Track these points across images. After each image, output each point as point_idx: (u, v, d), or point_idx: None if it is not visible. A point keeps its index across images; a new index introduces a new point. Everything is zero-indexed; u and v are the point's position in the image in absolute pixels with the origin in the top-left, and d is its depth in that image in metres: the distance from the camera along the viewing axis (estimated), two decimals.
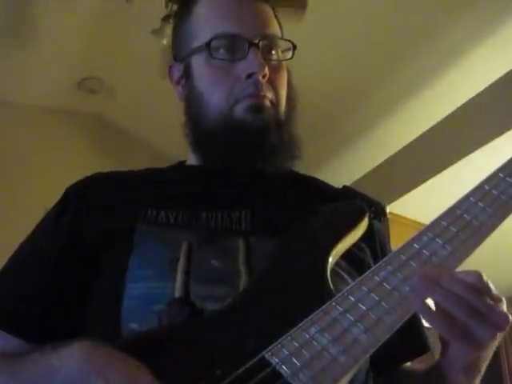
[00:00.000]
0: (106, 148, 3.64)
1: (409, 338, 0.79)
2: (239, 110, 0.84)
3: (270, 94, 0.85)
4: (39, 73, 3.20)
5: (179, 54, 0.93)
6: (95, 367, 0.54)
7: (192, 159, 0.93)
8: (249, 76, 0.84)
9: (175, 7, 2.28)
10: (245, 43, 0.85)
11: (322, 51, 2.84)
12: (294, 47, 0.90)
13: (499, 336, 0.63)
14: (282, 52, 0.90)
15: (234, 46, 0.85)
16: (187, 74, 0.90)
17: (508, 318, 0.60)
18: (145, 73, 2.79)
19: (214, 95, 0.85)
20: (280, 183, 0.88)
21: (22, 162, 3.27)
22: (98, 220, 0.81)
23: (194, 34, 0.89)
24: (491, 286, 0.63)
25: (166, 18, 2.34)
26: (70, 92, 3.44)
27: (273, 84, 0.86)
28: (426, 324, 0.85)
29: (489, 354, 0.68)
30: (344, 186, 0.93)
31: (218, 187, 0.86)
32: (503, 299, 0.63)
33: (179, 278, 0.73)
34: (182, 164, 0.96)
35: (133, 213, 0.81)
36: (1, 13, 2.75)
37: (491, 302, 0.60)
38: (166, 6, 2.35)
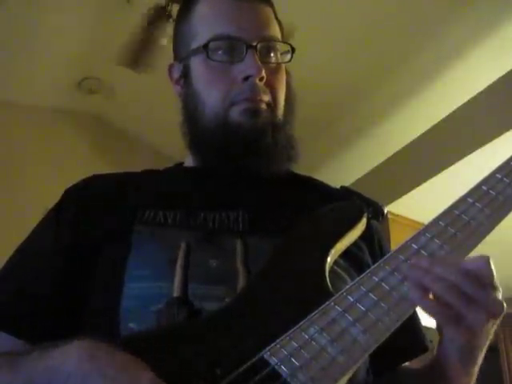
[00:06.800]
0: (105, 148, 3.65)
1: (407, 338, 0.79)
2: (235, 113, 0.84)
3: (266, 98, 0.85)
4: (39, 73, 3.20)
5: (179, 53, 0.94)
6: (96, 366, 0.54)
7: (189, 161, 0.94)
8: (246, 78, 0.84)
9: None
10: (243, 46, 0.85)
11: (323, 51, 2.84)
12: (293, 50, 0.90)
13: (494, 324, 0.64)
14: (281, 54, 0.90)
15: (232, 48, 0.85)
16: (186, 75, 0.90)
17: (501, 305, 0.62)
18: (145, 73, 2.79)
19: (211, 96, 0.86)
20: (278, 184, 0.88)
21: (21, 161, 3.28)
22: (96, 221, 0.82)
23: (193, 34, 0.89)
24: (493, 273, 0.64)
25: None
26: (70, 92, 3.44)
27: (271, 86, 0.86)
28: (424, 324, 0.86)
29: (483, 342, 0.68)
30: (342, 187, 0.93)
31: (216, 188, 0.86)
32: (500, 288, 0.64)
33: (177, 277, 0.73)
34: (179, 165, 0.96)
35: (131, 213, 0.81)
36: (0, 13, 2.75)
37: (486, 288, 0.62)
38: None
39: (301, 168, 0.93)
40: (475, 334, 0.64)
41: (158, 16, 2.38)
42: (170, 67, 0.95)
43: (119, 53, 2.46)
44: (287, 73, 0.92)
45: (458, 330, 0.63)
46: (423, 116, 3.21)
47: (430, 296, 0.62)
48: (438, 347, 0.72)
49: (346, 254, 0.78)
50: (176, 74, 0.93)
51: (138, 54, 2.46)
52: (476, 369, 0.72)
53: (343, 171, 3.55)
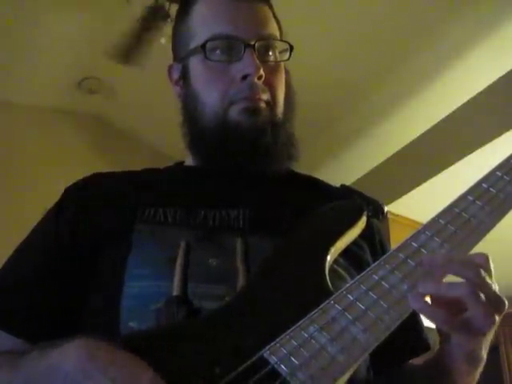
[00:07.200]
0: (105, 148, 3.65)
1: (409, 337, 0.79)
2: (234, 112, 0.84)
3: (265, 96, 0.85)
4: (39, 73, 3.20)
5: (178, 54, 0.94)
6: (97, 365, 0.53)
7: (190, 160, 0.94)
8: (244, 77, 0.84)
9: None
10: (241, 45, 0.85)
11: (322, 50, 2.84)
12: (291, 48, 0.90)
13: (497, 322, 0.63)
14: (280, 53, 0.90)
15: (229, 47, 0.86)
16: (185, 75, 0.90)
17: (504, 301, 0.62)
18: (145, 73, 2.79)
19: (210, 96, 0.86)
20: (278, 182, 0.88)
21: (21, 161, 3.28)
22: (96, 220, 0.82)
23: (191, 34, 0.89)
24: (492, 270, 0.64)
25: None
26: (70, 92, 3.44)
27: (270, 85, 0.86)
28: (425, 324, 0.86)
29: (488, 340, 0.68)
30: (342, 185, 0.93)
31: (217, 187, 0.86)
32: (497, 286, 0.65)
33: (177, 276, 0.73)
34: (179, 164, 0.97)
35: (131, 212, 0.81)
36: (1, 13, 2.75)
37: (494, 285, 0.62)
38: None
39: (301, 168, 0.93)
40: (483, 335, 0.63)
41: (154, 15, 2.36)
42: (170, 68, 0.95)
43: (112, 46, 2.45)
44: (286, 71, 0.92)
45: (466, 336, 0.63)
46: (423, 116, 3.21)
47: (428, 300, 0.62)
48: (443, 349, 0.71)
49: (346, 253, 0.78)
50: (175, 75, 0.93)
51: (131, 51, 2.45)
52: (481, 367, 0.71)
53: (343, 171, 3.55)
